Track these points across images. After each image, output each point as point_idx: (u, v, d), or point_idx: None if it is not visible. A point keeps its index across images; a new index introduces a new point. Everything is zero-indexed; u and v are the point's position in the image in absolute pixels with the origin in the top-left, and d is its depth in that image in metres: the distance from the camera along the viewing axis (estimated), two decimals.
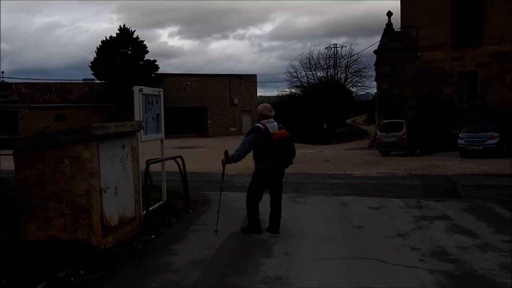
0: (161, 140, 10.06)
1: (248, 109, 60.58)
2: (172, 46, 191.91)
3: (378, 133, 26.89)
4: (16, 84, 56.96)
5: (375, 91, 53.20)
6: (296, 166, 21.30)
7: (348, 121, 67.77)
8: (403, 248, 7.09)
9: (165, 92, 46.23)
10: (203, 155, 29.85)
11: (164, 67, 68.14)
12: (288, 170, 17.75)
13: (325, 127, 44.65)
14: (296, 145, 28.36)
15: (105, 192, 6.97)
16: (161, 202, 9.98)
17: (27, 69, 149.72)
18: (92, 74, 56.65)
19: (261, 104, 8.53)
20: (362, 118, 79.98)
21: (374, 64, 34.22)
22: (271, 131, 7.85)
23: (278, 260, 6.63)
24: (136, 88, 8.61)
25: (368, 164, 21.72)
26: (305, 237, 7.84)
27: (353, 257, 6.68)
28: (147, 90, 9.07)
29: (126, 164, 7.82)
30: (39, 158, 6.90)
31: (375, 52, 33.81)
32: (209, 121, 59.70)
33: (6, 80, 58.42)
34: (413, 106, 31.44)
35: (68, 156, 6.77)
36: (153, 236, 7.96)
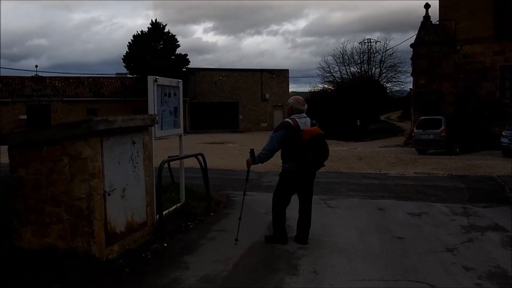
0: (180, 136, 9.18)
1: (279, 104, 59.65)
2: (207, 42, 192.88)
3: (415, 130, 25.65)
4: (50, 78, 57.32)
5: (410, 86, 51.54)
6: (328, 164, 20.27)
7: (382, 118, 66.36)
8: (453, 267, 6.04)
9: (196, 87, 45.97)
10: (232, 151, 28.95)
11: (199, 62, 67.77)
12: (321, 169, 17.11)
13: (358, 124, 43.41)
14: (328, 142, 27.12)
15: (109, 195, 6.11)
16: (178, 204, 9.11)
17: (64, 64, 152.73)
18: (124, 67, 56.39)
19: (292, 97, 7.53)
20: (396, 114, 78.35)
21: (410, 59, 32.89)
22: (301, 128, 6.90)
23: (305, 279, 5.67)
24: (150, 78, 7.73)
25: (405, 163, 20.56)
26: (337, 250, 6.84)
27: (394, 278, 5.66)
28: (164, 80, 8.18)
29: (137, 163, 6.96)
30: (35, 156, 6.08)
31: (411, 46, 32.47)
32: (240, 116, 58.97)
33: (40, 74, 58.53)
34: (451, 102, 30.10)
35: (67, 154, 5.93)
36: (165, 244, 7.07)
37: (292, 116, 7.08)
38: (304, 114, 7.13)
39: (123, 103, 55.78)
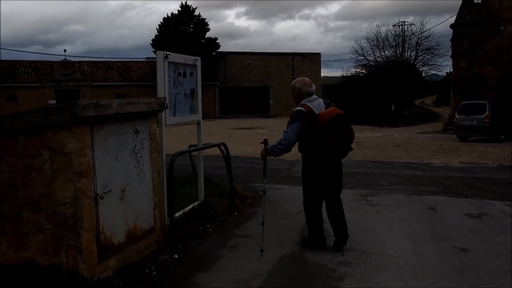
0: (198, 123, 7.90)
1: None
2: (239, 26, 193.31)
3: (457, 116, 23.96)
4: (79, 62, 57.11)
5: (447, 70, 49.39)
6: (364, 151, 18.99)
7: (417, 102, 64.32)
8: None
9: (226, 71, 44.88)
10: (262, 137, 27.56)
11: (231, 47, 66.70)
12: (356, 156, 15.64)
13: (392, 109, 41.70)
14: (362, 127, 25.69)
15: (101, 198, 4.88)
16: (196, 203, 7.87)
17: (99, 50, 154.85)
18: (153, 51, 55.42)
19: (297, 79, 6.42)
20: (431, 99, 76.27)
21: (450, 40, 31.09)
22: (316, 112, 5.90)
23: None
24: (159, 54, 6.45)
25: (447, 151, 19.02)
26: (387, 266, 5.47)
27: None
28: (177, 57, 6.90)
29: (141, 156, 5.73)
30: (10, 149, 4.88)
31: (451, 26, 30.64)
32: (271, 101, 57.74)
33: (69, 58, 58.08)
34: (493, 86, 28.28)
35: (47, 147, 4.70)
36: (176, 256, 5.82)
37: (302, 102, 6.06)
38: (315, 96, 6.17)
39: (151, 87, 54.96)
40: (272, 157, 6.26)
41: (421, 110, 55.13)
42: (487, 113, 22.54)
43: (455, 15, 30.72)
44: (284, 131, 6.00)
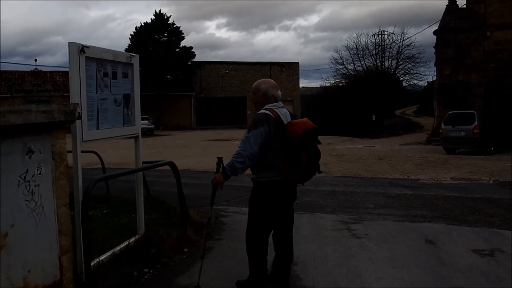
0: (135, 138, 6.21)
1: (289, 99, 56.97)
2: (220, 37, 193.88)
3: (443, 126, 22.51)
4: (50, 72, 55.41)
5: (429, 79, 48.49)
6: (345, 165, 17.45)
7: (397, 113, 63.37)
8: None
9: (202, 81, 43.57)
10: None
11: (211, 58, 65.35)
12: (336, 171, 14.06)
13: (373, 119, 40.46)
14: (341, 138, 24.05)
15: None
16: (133, 239, 6.17)
17: None
18: None
19: (262, 80, 5.11)
20: (411, 109, 75.41)
21: (434, 47, 29.84)
22: (284, 121, 4.72)
23: None
24: (73, 46, 4.77)
25: (434, 164, 17.56)
26: None
27: None
28: (100, 52, 5.22)
29: (37, 185, 4.08)
30: None
31: (435, 32, 29.42)
32: (248, 112, 56.27)
33: (40, 68, 56.13)
34: (479, 94, 27.00)
35: None
36: None
37: (268, 106, 4.79)
38: (280, 103, 4.93)
39: None
40: (235, 176, 4.69)
41: (402, 120, 53.97)
42: (476, 123, 21.16)
43: (439, 21, 29.48)
44: (243, 140, 4.58)
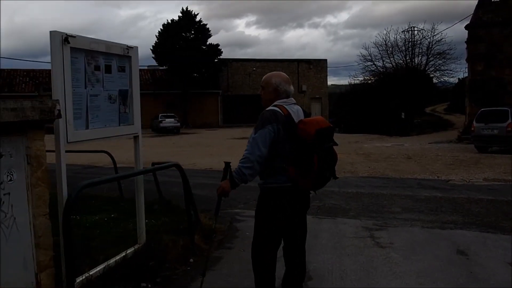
0: (134, 138, 5.67)
1: (317, 96, 56.26)
2: (249, 35, 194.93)
3: (475, 124, 21.58)
4: None
5: (460, 75, 47.31)
6: (372, 165, 16.75)
7: (427, 110, 62.06)
8: None
9: (228, 79, 43.28)
10: None
11: (240, 56, 64.79)
12: (362, 171, 13.41)
13: (402, 117, 39.52)
14: (370, 136, 23.04)
15: None
16: (132, 249, 5.64)
17: None
18: (153, 58, 53.54)
19: (273, 73, 4.39)
20: (442, 106, 73.88)
21: (465, 42, 28.76)
22: (296, 120, 4.08)
23: None
24: (55, 36, 4.24)
25: (465, 164, 16.71)
26: None
27: None
28: (90, 42, 4.69)
29: (8, 193, 3.59)
30: None
31: (466, 27, 28.37)
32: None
33: None
34: None
35: None
36: None
37: (277, 103, 4.16)
38: (293, 99, 4.28)
39: (153, 96, 53.13)
40: (243, 184, 4.06)
41: (432, 118, 52.79)
42: (510, 121, 20.20)
43: (471, 16, 28.46)
44: (249, 141, 3.97)
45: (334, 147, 4.21)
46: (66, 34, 4.29)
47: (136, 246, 5.67)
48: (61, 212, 4.21)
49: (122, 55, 5.30)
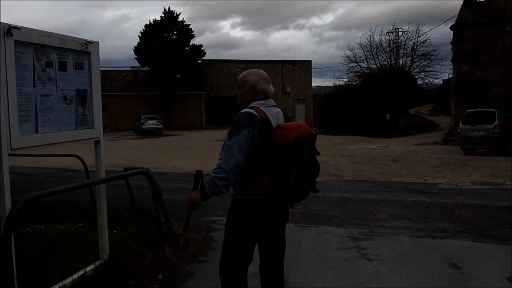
0: (96, 143, 5.13)
1: (302, 98, 55.91)
2: (234, 37, 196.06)
3: (461, 126, 21.27)
4: None
5: (445, 77, 47.35)
6: (357, 167, 16.30)
7: (412, 111, 62.06)
8: None
9: (212, 80, 42.89)
10: None
11: (225, 57, 64.19)
12: (347, 174, 12.96)
13: (387, 118, 39.30)
14: (355, 138, 22.54)
15: None
16: (93, 266, 5.09)
17: None
18: (135, 59, 52.93)
19: (250, 71, 3.87)
20: (426, 108, 73.99)
21: (450, 42, 28.52)
22: (274, 124, 3.59)
23: None
24: None
25: (452, 166, 16.34)
26: None
27: None
28: (40, 35, 4.17)
29: None
30: None
31: (452, 27, 28.15)
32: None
33: None
34: (499, 92, 25.70)
35: None
36: None
37: (254, 104, 3.68)
38: (272, 101, 3.80)
39: (135, 97, 52.55)
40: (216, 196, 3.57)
41: (417, 119, 52.81)
42: (496, 122, 19.91)
43: (455, 16, 28.23)
44: (223, 149, 3.50)
45: (318, 156, 3.74)
46: (9, 25, 3.76)
47: (97, 263, 5.13)
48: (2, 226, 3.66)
49: (80, 51, 4.76)
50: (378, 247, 6.36)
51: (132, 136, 41.97)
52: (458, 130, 21.58)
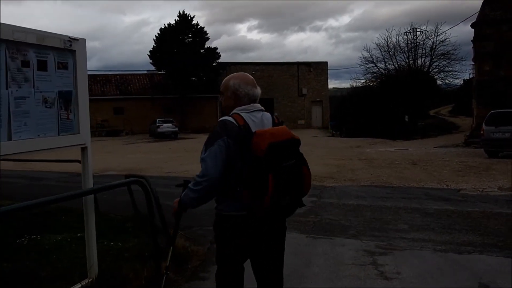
0: (82, 150, 4.57)
1: (318, 100, 55.19)
2: (251, 39, 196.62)
3: (484, 127, 20.46)
4: None
5: (466, 76, 46.47)
6: (375, 171, 15.67)
7: (431, 113, 60.92)
8: None
9: None
10: None
11: (242, 60, 63.43)
12: (364, 179, 12.32)
13: (406, 120, 38.43)
14: (373, 140, 21.63)
15: None
16: (80, 285, 4.55)
17: (114, 65, 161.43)
18: (151, 63, 52.69)
19: (231, 76, 3.59)
20: (446, 109, 72.67)
21: (471, 41, 27.67)
22: (253, 130, 3.21)
23: None
24: None
25: (476, 170, 15.59)
26: None
27: None
28: (13, 31, 3.65)
29: None
30: None
31: (472, 25, 27.31)
32: (275, 113, 54.09)
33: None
34: None
35: None
36: None
37: (235, 110, 3.37)
38: (258, 105, 3.47)
39: (151, 100, 52.38)
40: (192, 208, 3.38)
41: (436, 121, 51.60)
42: None
43: (476, 14, 27.39)
44: (201, 156, 3.21)
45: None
46: None
47: (83, 282, 4.59)
48: None
49: (63, 49, 4.23)
50: (397, 264, 5.75)
51: (147, 140, 41.61)
52: (482, 132, 20.76)
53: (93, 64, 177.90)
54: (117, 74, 57.93)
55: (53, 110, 4.14)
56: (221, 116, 3.39)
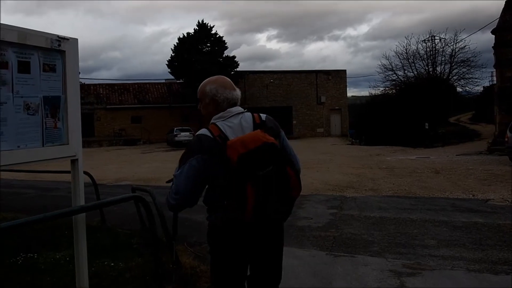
0: (72, 162, 4.10)
1: (337, 108, 54.49)
2: (270, 49, 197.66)
3: (509, 134, 19.73)
4: (94, 85, 55.60)
5: (486, 83, 45.86)
6: (396, 181, 15.07)
7: (451, 120, 59.99)
8: None
9: (245, 91, 42.27)
10: None
11: (261, 69, 63.04)
12: (386, 189, 11.70)
13: (426, 127, 37.68)
14: (393, 148, 20.93)
15: None
16: None
17: (134, 75, 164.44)
18: (169, 72, 52.56)
19: (207, 80, 3.39)
20: (466, 116, 71.67)
21: (492, 47, 26.96)
22: (229, 138, 3.03)
23: None
24: None
25: (502, 179, 14.91)
26: None
27: None
28: None
29: None
30: None
31: (493, 31, 26.63)
32: (294, 122, 54.06)
33: (83, 81, 55.77)
34: None
35: None
36: None
37: (212, 121, 3.20)
38: (239, 108, 3.26)
39: (168, 109, 52.30)
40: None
41: (457, 128, 50.70)
42: None
43: (497, 20, 26.67)
44: (173, 175, 3.15)
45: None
46: None
47: None
48: None
49: (51, 49, 3.76)
50: (428, 287, 5.18)
51: (164, 149, 41.33)
52: (506, 139, 20.02)
53: (113, 73, 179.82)
54: (135, 83, 58.06)
55: (36, 118, 3.65)
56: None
